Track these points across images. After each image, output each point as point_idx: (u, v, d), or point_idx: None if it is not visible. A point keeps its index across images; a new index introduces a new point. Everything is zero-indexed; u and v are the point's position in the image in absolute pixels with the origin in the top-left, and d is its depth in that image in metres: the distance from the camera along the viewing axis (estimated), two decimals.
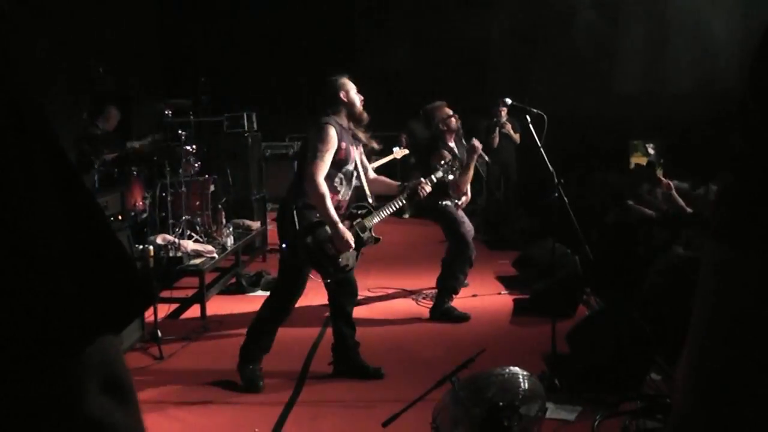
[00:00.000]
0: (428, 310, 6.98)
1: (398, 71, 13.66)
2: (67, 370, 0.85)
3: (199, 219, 7.88)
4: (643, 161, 11.58)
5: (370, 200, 5.32)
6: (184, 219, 7.67)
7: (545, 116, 5.21)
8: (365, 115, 5.13)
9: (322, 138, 4.83)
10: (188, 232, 7.64)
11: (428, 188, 5.38)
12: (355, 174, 5.14)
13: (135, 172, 7.89)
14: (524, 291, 7.50)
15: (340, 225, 4.85)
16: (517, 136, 11.26)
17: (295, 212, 4.86)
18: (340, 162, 4.95)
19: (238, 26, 13.51)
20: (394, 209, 5.31)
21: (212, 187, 8.15)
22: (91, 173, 7.80)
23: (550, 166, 5.15)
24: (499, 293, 7.73)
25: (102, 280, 0.90)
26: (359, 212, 5.10)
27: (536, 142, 5.26)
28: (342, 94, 5.04)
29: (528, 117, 5.34)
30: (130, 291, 0.96)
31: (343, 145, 4.94)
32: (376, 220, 5.19)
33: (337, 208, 4.95)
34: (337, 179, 4.98)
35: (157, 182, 7.78)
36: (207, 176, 8.21)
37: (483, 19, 13.87)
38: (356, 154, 5.12)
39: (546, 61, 12.92)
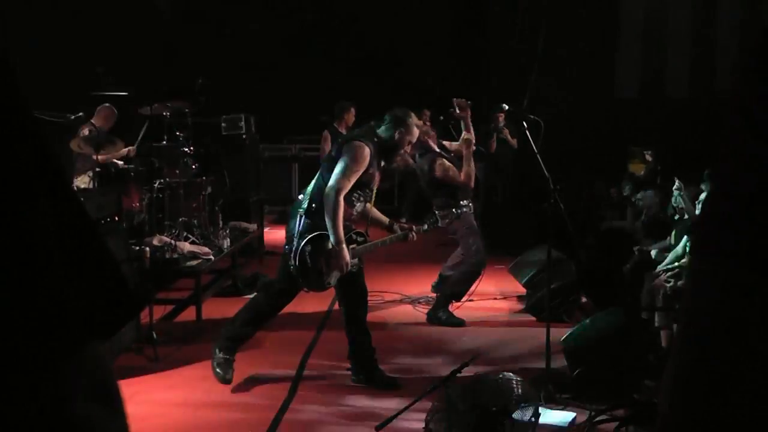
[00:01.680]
0: (425, 314, 6.98)
1: (396, 76, 13.66)
2: (55, 376, 0.86)
3: (195, 221, 7.87)
4: (641, 167, 11.61)
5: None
6: (181, 220, 7.67)
7: (542, 122, 5.22)
8: (398, 161, 5.30)
9: (355, 157, 4.88)
10: (185, 234, 7.63)
11: (416, 237, 5.43)
12: (371, 195, 5.22)
13: (132, 173, 7.88)
14: (520, 297, 7.50)
15: (344, 245, 4.89)
16: (514, 142, 11.25)
17: (305, 217, 4.93)
18: (364, 183, 5.02)
19: (236, 27, 13.52)
20: (383, 245, 5.37)
21: (209, 189, 8.15)
22: (89, 174, 7.80)
23: (546, 171, 5.16)
24: (495, 298, 7.74)
25: (90, 287, 0.91)
26: (357, 238, 5.12)
27: (533, 147, 5.26)
28: (398, 132, 5.08)
29: (524, 123, 5.35)
30: (119, 298, 0.96)
31: (371, 170, 5.01)
32: (367, 251, 5.21)
33: (348, 220, 5.05)
34: (355, 195, 5.04)
35: (154, 183, 7.78)
36: (204, 178, 8.20)
37: (482, 21, 13.91)
38: (378, 176, 5.20)
39: (546, 66, 12.94)
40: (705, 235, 0.97)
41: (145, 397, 5.03)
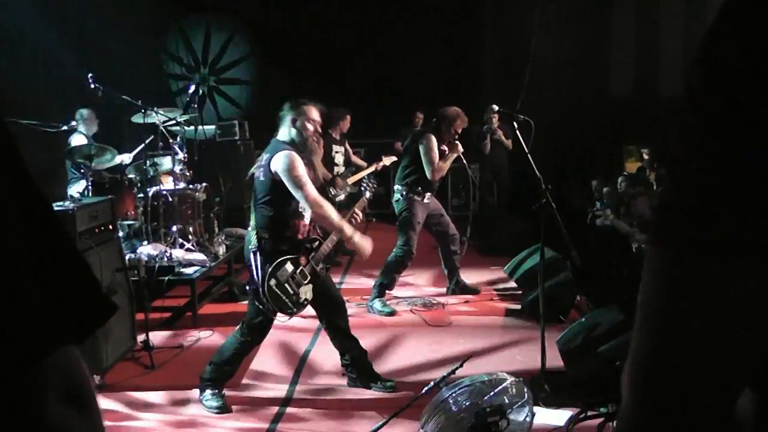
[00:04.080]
0: (421, 316, 7.08)
1: (390, 79, 13.69)
2: (26, 380, 0.86)
3: (190, 228, 7.88)
4: (637, 165, 11.65)
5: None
6: (176, 228, 7.67)
7: (532, 122, 5.22)
8: (316, 147, 5.07)
9: (291, 167, 4.77)
10: (180, 241, 7.64)
11: (360, 217, 5.38)
12: None
13: (126, 182, 7.88)
14: (516, 297, 7.51)
15: (349, 228, 4.90)
16: (509, 142, 11.29)
17: (258, 253, 4.82)
18: None
19: (228, 34, 13.54)
20: (336, 240, 5.28)
21: (204, 196, 8.14)
22: (83, 183, 7.80)
23: (537, 171, 5.16)
24: (491, 299, 7.75)
25: (61, 292, 0.91)
26: (312, 246, 5.05)
27: (524, 147, 5.27)
28: (296, 121, 4.98)
29: (515, 123, 5.36)
30: (90, 301, 0.97)
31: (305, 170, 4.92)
32: (327, 251, 5.15)
33: (306, 234, 5.01)
34: (301, 206, 4.94)
35: (149, 191, 7.78)
36: (199, 185, 8.20)
37: (475, 23, 13.94)
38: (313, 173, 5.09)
39: (540, 65, 12.96)
40: (657, 225, 0.98)
41: (142, 405, 5.03)
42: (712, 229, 0.92)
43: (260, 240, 4.83)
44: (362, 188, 5.87)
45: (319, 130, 5.09)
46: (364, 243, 4.96)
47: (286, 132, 5.01)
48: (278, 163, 4.81)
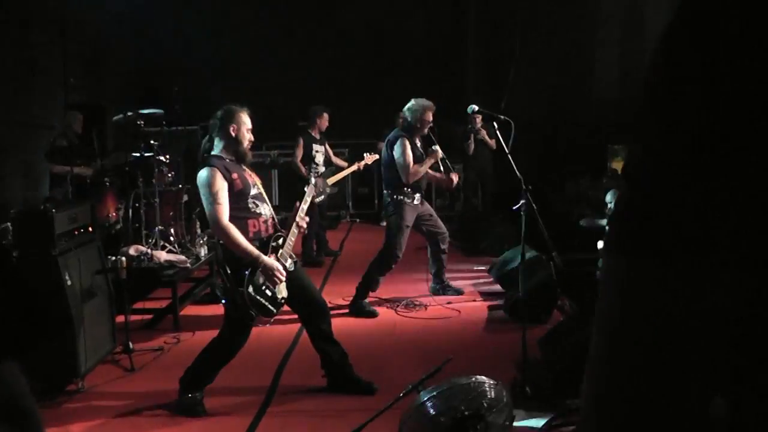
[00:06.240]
0: (404, 317, 7.12)
1: (370, 79, 13.69)
2: None
3: (172, 229, 7.84)
4: (622, 165, 11.68)
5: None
6: (158, 229, 7.63)
7: (512, 122, 5.22)
8: (249, 155, 5.02)
9: (206, 183, 4.73)
10: (162, 243, 7.60)
11: (322, 196, 5.35)
12: (263, 195, 5.03)
13: (108, 183, 7.83)
14: (499, 298, 7.50)
15: (264, 258, 4.76)
16: (492, 143, 11.29)
17: (228, 263, 4.75)
18: (241, 192, 4.85)
19: (210, 33, 13.50)
20: (297, 232, 5.20)
21: (185, 197, 8.10)
22: (64, 185, 7.75)
23: (517, 172, 5.16)
24: (474, 300, 7.74)
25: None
26: (278, 242, 4.96)
27: (504, 147, 5.26)
28: (232, 128, 4.91)
29: (495, 123, 5.35)
30: (29, 319, 0.95)
31: (235, 176, 4.83)
32: (290, 245, 5.09)
33: (266, 229, 4.93)
34: (251, 204, 4.88)
35: (131, 193, 7.73)
36: (180, 186, 8.16)
37: (459, 23, 13.95)
38: (251, 176, 5.02)
39: (524, 65, 12.97)
40: (612, 232, 0.97)
41: (121, 407, 5.00)
42: (665, 235, 0.90)
43: (226, 251, 4.78)
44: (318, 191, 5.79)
45: (252, 138, 5.03)
46: (274, 265, 4.81)
47: (221, 143, 4.95)
48: (199, 177, 4.79)
